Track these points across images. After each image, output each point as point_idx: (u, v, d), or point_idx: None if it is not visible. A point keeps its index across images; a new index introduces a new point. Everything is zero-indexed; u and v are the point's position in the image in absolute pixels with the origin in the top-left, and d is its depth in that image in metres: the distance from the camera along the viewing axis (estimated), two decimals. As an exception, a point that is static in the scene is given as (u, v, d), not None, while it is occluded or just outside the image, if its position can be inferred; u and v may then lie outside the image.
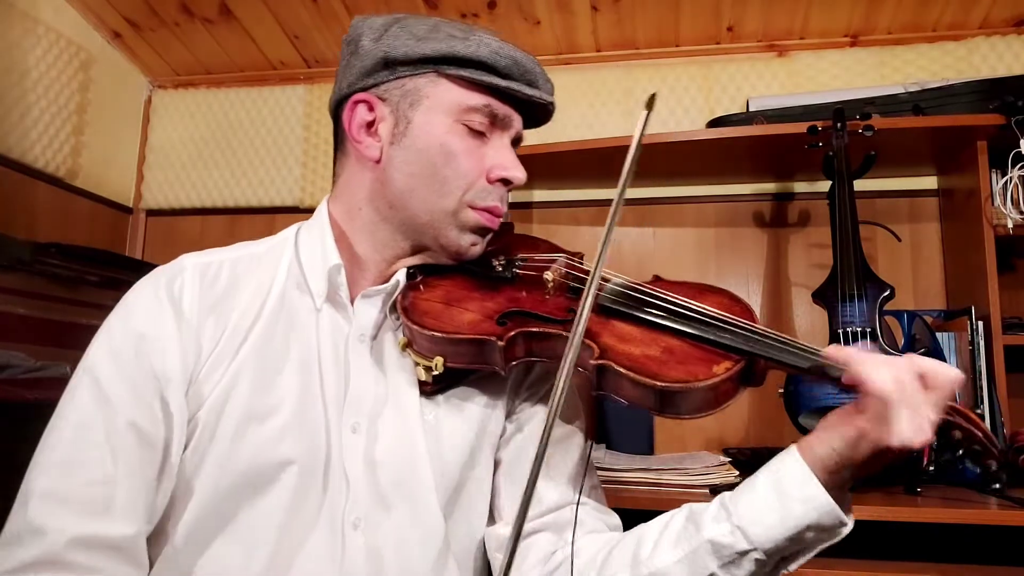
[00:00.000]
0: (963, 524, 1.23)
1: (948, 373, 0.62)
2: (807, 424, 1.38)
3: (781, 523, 0.65)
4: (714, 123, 1.91)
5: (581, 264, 0.84)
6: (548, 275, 0.80)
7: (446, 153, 0.78)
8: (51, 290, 1.68)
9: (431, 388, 0.79)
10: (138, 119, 2.31)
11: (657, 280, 0.82)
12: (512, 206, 2.03)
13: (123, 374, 0.73)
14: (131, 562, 0.70)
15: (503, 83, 0.78)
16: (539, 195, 2.09)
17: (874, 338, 1.42)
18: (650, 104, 0.76)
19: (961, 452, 0.63)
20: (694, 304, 0.73)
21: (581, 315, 0.63)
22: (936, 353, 1.46)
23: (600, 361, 0.68)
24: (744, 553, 0.66)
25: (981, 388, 1.48)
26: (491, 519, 0.84)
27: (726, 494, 0.70)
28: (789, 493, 0.65)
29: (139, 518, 0.71)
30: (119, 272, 1.79)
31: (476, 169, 0.79)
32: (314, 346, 0.79)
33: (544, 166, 1.91)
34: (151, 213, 2.30)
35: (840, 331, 1.44)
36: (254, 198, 2.22)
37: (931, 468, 0.67)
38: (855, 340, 1.42)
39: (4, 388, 1.39)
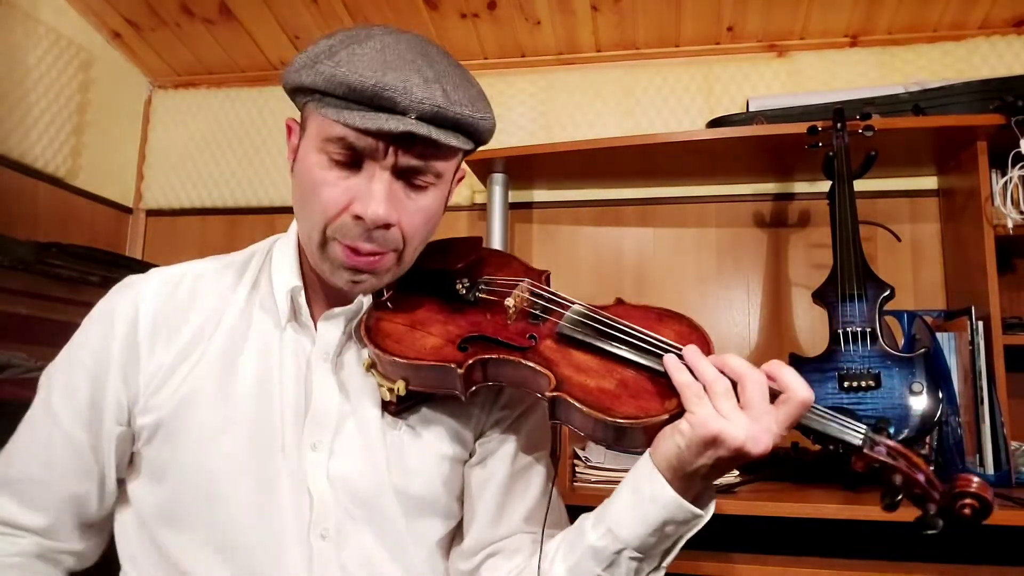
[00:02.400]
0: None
1: (800, 393, 0.65)
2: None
3: (640, 522, 0.68)
4: (714, 123, 1.91)
5: (546, 286, 0.83)
6: (509, 301, 0.79)
7: (311, 183, 0.74)
8: (52, 290, 1.68)
9: (395, 408, 0.79)
10: (138, 119, 2.31)
11: (619, 303, 0.82)
12: (512, 206, 2.05)
13: (69, 389, 0.79)
14: (33, 548, 0.78)
15: (335, 116, 0.71)
16: (539, 195, 2.10)
17: (874, 338, 1.42)
18: None
19: (900, 497, 0.64)
20: (651, 335, 0.72)
21: None
22: (936, 353, 1.46)
23: (555, 393, 0.68)
24: (619, 552, 0.69)
25: (981, 388, 1.48)
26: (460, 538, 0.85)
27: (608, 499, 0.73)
28: (641, 492, 0.68)
29: (57, 512, 0.79)
30: (120, 272, 1.78)
31: (336, 202, 0.73)
32: (276, 364, 0.79)
33: (544, 166, 1.92)
34: (151, 213, 2.30)
35: (840, 331, 1.44)
36: (254, 198, 2.22)
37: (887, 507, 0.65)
38: (855, 340, 1.42)
39: (5, 388, 1.39)
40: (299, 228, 0.80)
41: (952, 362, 1.54)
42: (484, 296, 0.83)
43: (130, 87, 2.27)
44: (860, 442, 0.65)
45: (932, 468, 0.65)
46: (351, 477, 0.77)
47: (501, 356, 0.74)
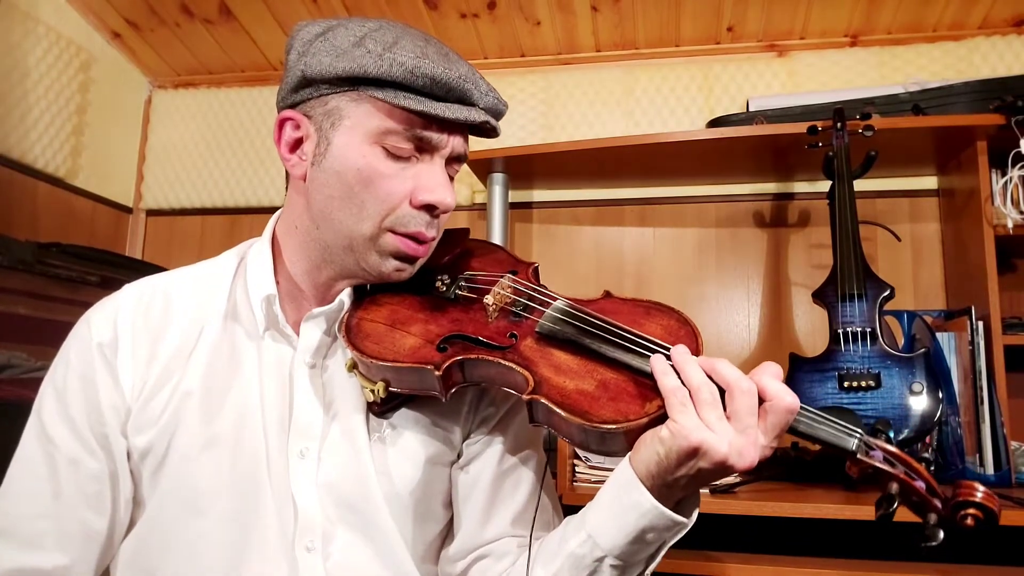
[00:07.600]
0: (963, 524, 1.24)
1: (785, 399, 0.61)
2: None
3: (621, 529, 0.65)
4: (714, 123, 1.91)
5: (528, 282, 0.80)
6: (489, 299, 0.76)
7: (364, 177, 0.72)
8: (52, 290, 1.68)
9: (379, 409, 0.78)
10: (138, 119, 2.31)
11: (607, 296, 0.79)
12: (512, 206, 2.05)
13: (63, 414, 0.76)
14: None
15: (419, 107, 0.70)
16: (539, 195, 2.10)
17: (874, 338, 1.42)
18: None
19: (897, 505, 0.60)
20: (635, 332, 0.69)
21: None
22: (936, 353, 1.46)
23: (531, 396, 0.66)
24: (600, 560, 0.66)
25: (981, 388, 1.48)
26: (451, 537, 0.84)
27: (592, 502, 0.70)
28: (621, 500, 0.65)
29: (75, 548, 0.74)
30: (120, 272, 1.79)
31: (398, 193, 0.73)
32: (255, 373, 0.78)
33: (544, 166, 1.92)
34: (151, 213, 2.30)
35: (840, 331, 1.44)
36: (254, 198, 2.22)
37: (878, 520, 0.61)
38: (855, 340, 1.42)
39: (5, 388, 1.39)
40: (335, 222, 0.75)
41: (952, 362, 1.54)
42: (465, 293, 0.80)
43: (130, 87, 2.27)
44: (854, 447, 0.62)
45: (933, 473, 0.62)
46: (340, 483, 0.76)
47: (480, 356, 0.71)
